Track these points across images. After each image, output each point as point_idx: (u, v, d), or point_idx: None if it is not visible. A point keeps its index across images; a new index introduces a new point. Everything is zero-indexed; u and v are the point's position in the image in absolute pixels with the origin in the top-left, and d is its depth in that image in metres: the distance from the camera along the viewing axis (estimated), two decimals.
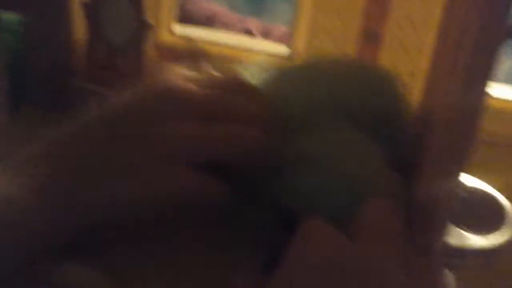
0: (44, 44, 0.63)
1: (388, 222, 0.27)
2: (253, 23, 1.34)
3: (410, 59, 0.66)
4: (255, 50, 0.63)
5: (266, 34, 1.30)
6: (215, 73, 0.30)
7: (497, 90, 0.81)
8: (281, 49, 0.63)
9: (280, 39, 1.24)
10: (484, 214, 0.79)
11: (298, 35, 0.64)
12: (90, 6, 0.63)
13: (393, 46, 0.65)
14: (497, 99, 0.76)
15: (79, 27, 0.65)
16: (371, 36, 0.63)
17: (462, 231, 0.71)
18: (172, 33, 0.65)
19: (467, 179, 0.76)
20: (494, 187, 0.77)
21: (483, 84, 0.25)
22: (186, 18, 0.99)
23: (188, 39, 0.66)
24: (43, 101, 0.64)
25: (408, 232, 0.27)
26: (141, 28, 0.62)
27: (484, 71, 0.25)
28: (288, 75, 0.31)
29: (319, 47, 0.62)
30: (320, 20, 0.62)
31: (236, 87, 0.30)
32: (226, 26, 1.29)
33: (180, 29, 0.64)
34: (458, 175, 0.27)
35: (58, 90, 0.64)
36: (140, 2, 0.62)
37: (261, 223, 0.28)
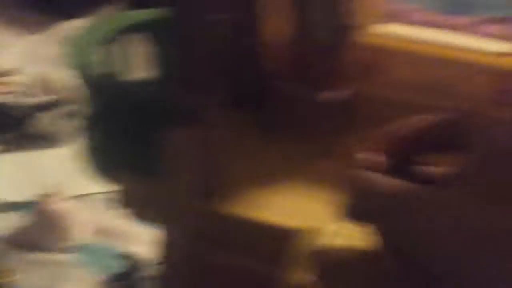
0: (247, 42, 0.61)
1: None
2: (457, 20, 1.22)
3: None
4: (468, 48, 0.57)
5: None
6: None
7: None
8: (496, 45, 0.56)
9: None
10: None
11: None
12: (295, 2, 0.59)
13: None
14: None
15: (280, 24, 0.62)
16: None
17: None
18: (379, 32, 0.61)
19: None
20: None
21: None
22: None
23: None
24: (241, 102, 0.62)
25: None
26: (350, 25, 0.58)
27: None
28: None
29: None
30: None
31: None
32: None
33: (387, 29, 0.60)
34: None
35: (257, 91, 0.61)
36: None
37: None
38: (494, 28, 1.16)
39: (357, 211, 0.39)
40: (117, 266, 0.85)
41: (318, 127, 0.58)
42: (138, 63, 0.70)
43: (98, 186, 0.58)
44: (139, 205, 0.54)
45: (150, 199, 0.53)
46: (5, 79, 1.21)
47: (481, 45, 0.61)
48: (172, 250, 0.50)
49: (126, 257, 0.85)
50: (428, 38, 0.61)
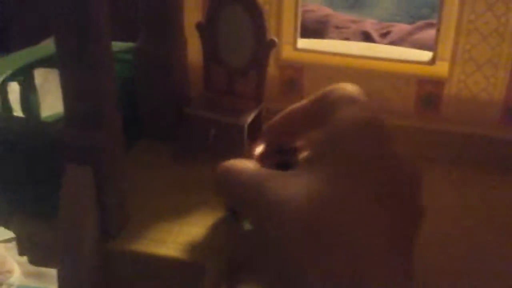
0: (157, 71, 0.58)
1: None
2: (369, 23, 1.22)
3: None
4: (390, 58, 0.55)
5: (385, 35, 1.18)
6: None
7: None
8: (419, 54, 0.54)
9: (401, 40, 1.13)
10: None
11: (443, 36, 0.55)
12: (205, 27, 0.56)
13: None
14: None
15: (194, 51, 0.59)
16: None
17: None
18: (295, 48, 0.58)
19: None
20: None
21: None
22: None
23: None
24: (157, 132, 0.60)
25: None
26: (264, 46, 0.54)
27: None
28: None
29: (469, 50, 0.53)
30: (469, 18, 0.52)
31: None
32: (339, 29, 1.18)
33: (302, 43, 0.57)
34: None
35: (173, 119, 0.59)
36: (262, 18, 0.54)
37: None
38: (430, 33, 1.15)
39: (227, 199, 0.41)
40: None
41: (232, 152, 0.55)
42: (48, 99, 0.67)
43: None
44: (33, 250, 0.51)
45: (44, 243, 0.50)
46: None
47: (409, 55, 0.59)
48: None
49: None
50: (352, 51, 0.59)
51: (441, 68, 0.56)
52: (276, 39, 0.53)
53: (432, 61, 0.56)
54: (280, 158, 0.40)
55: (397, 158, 0.34)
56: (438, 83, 0.57)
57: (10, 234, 0.93)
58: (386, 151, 0.34)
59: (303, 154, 0.41)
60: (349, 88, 0.37)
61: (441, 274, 0.44)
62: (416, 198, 0.33)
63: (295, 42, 0.58)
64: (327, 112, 0.35)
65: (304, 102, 0.39)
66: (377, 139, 0.34)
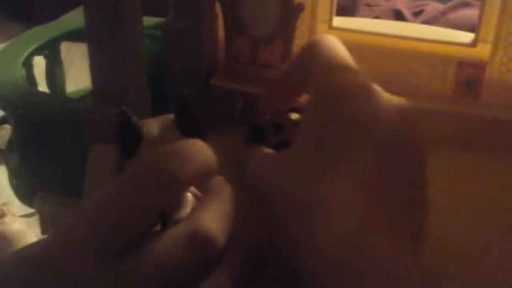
0: (186, 47, 0.56)
1: None
2: (401, 1, 1.18)
3: None
4: (430, 39, 0.53)
5: (417, 14, 1.14)
6: None
7: None
8: (458, 35, 0.52)
9: (434, 19, 1.09)
10: None
11: (486, 17, 0.52)
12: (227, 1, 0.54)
13: None
14: None
15: (217, 25, 0.57)
16: None
17: None
18: (330, 27, 0.55)
19: None
20: None
21: None
22: None
23: None
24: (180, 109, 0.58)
25: None
26: (291, 11, 0.52)
27: None
28: None
29: None
30: None
31: None
32: (369, 7, 1.15)
33: (338, 22, 0.54)
34: None
35: (201, 94, 0.57)
36: None
37: None
38: (465, 13, 1.12)
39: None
40: None
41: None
42: (71, 74, 0.65)
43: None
44: None
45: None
46: None
47: (447, 35, 0.57)
48: None
49: None
50: (390, 31, 0.57)
51: (483, 51, 0.54)
52: (304, 3, 0.51)
53: (473, 43, 0.54)
54: (279, 137, 0.41)
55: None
56: (479, 66, 0.54)
57: (31, 209, 0.92)
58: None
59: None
60: (327, 45, 0.37)
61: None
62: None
63: (330, 20, 0.55)
64: (310, 72, 0.36)
65: (284, 66, 0.40)
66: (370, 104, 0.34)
